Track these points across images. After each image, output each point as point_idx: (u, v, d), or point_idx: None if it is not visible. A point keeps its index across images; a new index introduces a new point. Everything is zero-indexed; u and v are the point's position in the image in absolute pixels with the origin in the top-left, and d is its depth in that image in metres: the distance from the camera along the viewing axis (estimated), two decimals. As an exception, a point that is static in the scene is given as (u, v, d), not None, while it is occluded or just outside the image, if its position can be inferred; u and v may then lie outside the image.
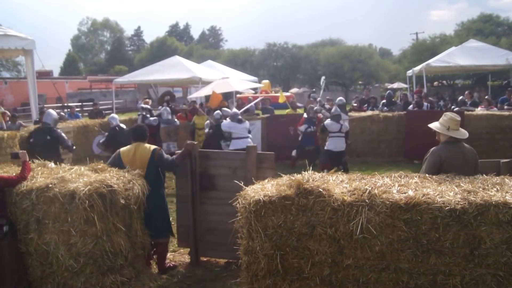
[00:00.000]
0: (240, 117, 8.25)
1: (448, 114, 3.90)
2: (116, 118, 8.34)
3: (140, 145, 4.65)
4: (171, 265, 4.78)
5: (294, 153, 9.34)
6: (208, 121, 9.27)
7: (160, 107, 11.10)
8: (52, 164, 4.43)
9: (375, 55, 42.77)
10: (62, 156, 7.30)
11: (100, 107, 15.25)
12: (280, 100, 14.02)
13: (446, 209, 2.74)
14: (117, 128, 7.93)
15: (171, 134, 9.55)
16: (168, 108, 10.22)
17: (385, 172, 3.61)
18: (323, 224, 2.93)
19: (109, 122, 8.49)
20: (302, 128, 9.11)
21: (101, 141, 7.92)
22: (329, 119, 8.47)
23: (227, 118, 8.40)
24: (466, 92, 13.67)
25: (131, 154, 4.59)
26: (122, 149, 4.73)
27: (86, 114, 18.44)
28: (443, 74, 25.41)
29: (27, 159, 4.05)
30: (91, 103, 17.94)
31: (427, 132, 10.57)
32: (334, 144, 8.21)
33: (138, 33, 71.14)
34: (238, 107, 10.91)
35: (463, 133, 3.87)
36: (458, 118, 3.85)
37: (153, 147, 4.68)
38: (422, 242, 2.80)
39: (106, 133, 8.10)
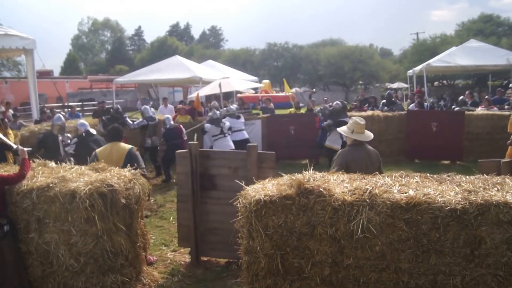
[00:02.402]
0: (237, 114, 9.70)
1: (354, 118, 4.18)
2: (86, 124, 7.62)
3: (116, 144, 5.12)
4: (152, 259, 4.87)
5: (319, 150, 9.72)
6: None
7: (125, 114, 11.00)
8: (52, 164, 4.43)
9: (376, 55, 42.73)
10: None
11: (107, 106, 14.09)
12: (287, 91, 14.03)
13: (446, 209, 2.73)
14: (84, 134, 7.26)
15: (156, 130, 9.55)
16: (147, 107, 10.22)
17: (386, 172, 3.62)
18: (323, 223, 2.92)
19: (77, 129, 7.77)
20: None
21: (70, 151, 7.16)
22: (208, 123, 8.80)
23: (227, 116, 9.33)
24: (467, 92, 13.66)
25: (107, 151, 5.03)
26: (98, 149, 5.19)
27: (88, 113, 18.43)
28: (444, 74, 25.42)
29: (26, 157, 4.06)
30: (91, 102, 17.85)
31: (427, 132, 10.67)
32: (221, 147, 8.36)
33: (138, 32, 71.13)
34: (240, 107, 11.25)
35: (367, 136, 4.10)
36: (362, 122, 4.10)
37: (129, 146, 5.12)
38: (422, 242, 2.80)
39: (71, 140, 7.51)
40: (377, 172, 3.46)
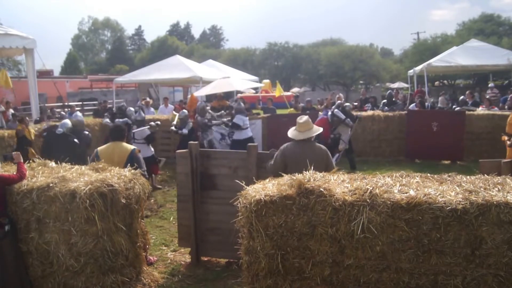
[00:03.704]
0: (245, 111, 9.74)
1: (297, 118, 4.36)
2: (67, 124, 7.57)
3: (118, 143, 4.97)
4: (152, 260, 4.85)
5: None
6: (175, 122, 9.70)
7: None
8: (52, 164, 4.43)
9: (376, 55, 42.71)
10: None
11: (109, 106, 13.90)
12: (277, 94, 13.97)
13: (447, 209, 2.73)
14: (56, 132, 7.32)
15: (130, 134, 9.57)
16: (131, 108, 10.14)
17: (386, 172, 3.61)
18: (324, 224, 2.92)
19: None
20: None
21: None
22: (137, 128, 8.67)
23: (237, 114, 9.31)
24: (468, 92, 13.65)
25: (109, 151, 4.88)
26: (99, 148, 5.03)
27: (88, 113, 18.44)
28: (444, 74, 25.37)
29: (21, 160, 4.05)
30: (92, 102, 17.83)
31: (428, 132, 10.64)
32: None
33: (139, 32, 71.16)
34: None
35: (302, 135, 4.23)
36: (301, 121, 4.27)
37: (132, 147, 5.00)
38: (423, 242, 2.80)
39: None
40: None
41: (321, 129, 4.43)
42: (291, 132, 4.33)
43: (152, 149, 8.45)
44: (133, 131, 8.41)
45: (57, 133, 7.37)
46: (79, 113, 8.87)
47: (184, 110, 10.08)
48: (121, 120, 8.79)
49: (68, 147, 6.95)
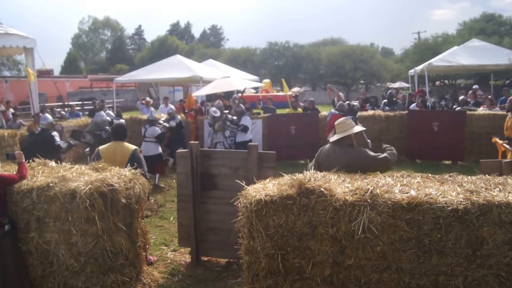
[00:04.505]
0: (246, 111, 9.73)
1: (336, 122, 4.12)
2: (47, 118, 7.57)
3: (120, 143, 4.90)
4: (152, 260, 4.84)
5: None
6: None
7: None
8: (52, 163, 4.42)
9: (377, 55, 42.73)
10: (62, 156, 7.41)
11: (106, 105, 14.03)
12: (285, 90, 14.00)
13: (448, 209, 2.72)
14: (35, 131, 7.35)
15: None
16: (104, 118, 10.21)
17: (387, 172, 3.60)
18: (324, 224, 2.91)
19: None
20: None
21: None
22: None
23: (243, 116, 9.31)
24: (470, 91, 13.60)
25: (110, 151, 4.82)
26: (101, 147, 4.97)
27: (88, 113, 18.40)
28: (445, 73, 25.38)
29: (23, 160, 4.05)
30: (93, 102, 17.83)
31: (429, 132, 10.62)
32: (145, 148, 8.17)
33: (139, 32, 71.18)
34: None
35: (335, 136, 3.99)
36: (336, 123, 4.01)
37: (133, 146, 4.92)
38: (424, 242, 2.79)
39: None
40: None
41: (359, 128, 4.07)
42: (332, 136, 4.12)
43: (160, 148, 8.59)
44: (145, 128, 8.71)
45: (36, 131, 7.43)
46: (103, 112, 8.92)
47: (171, 106, 10.53)
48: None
49: (47, 142, 6.99)
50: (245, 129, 9.11)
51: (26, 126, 8.59)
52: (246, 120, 9.19)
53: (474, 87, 16.53)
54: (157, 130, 8.55)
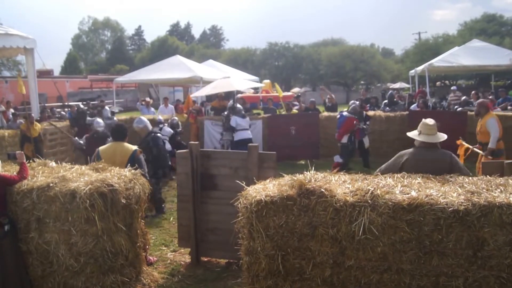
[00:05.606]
0: (243, 112, 9.77)
1: (423, 119, 3.89)
2: (100, 123, 8.05)
3: (120, 144, 4.92)
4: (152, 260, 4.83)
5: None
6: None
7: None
8: (53, 163, 4.42)
9: (377, 55, 42.75)
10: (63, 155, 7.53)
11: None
12: (280, 94, 13.97)
13: (449, 210, 2.71)
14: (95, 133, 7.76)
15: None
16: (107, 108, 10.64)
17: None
18: (325, 224, 2.90)
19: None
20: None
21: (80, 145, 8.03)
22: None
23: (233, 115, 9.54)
24: (473, 92, 13.59)
25: (110, 151, 4.84)
26: (101, 147, 4.99)
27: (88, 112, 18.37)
28: (446, 74, 25.36)
29: (24, 160, 4.04)
30: (92, 102, 17.82)
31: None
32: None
33: (139, 32, 71.17)
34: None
35: (435, 138, 3.77)
36: (431, 123, 3.82)
37: (133, 147, 4.93)
38: (424, 243, 2.78)
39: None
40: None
41: (444, 136, 3.85)
42: (414, 134, 3.82)
43: (170, 146, 8.84)
44: (161, 126, 9.18)
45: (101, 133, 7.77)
46: (100, 120, 9.14)
47: (175, 117, 10.70)
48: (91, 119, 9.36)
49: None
50: (229, 129, 9.36)
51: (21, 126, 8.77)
52: (233, 121, 9.34)
53: (452, 88, 16.57)
54: (170, 130, 9.18)
